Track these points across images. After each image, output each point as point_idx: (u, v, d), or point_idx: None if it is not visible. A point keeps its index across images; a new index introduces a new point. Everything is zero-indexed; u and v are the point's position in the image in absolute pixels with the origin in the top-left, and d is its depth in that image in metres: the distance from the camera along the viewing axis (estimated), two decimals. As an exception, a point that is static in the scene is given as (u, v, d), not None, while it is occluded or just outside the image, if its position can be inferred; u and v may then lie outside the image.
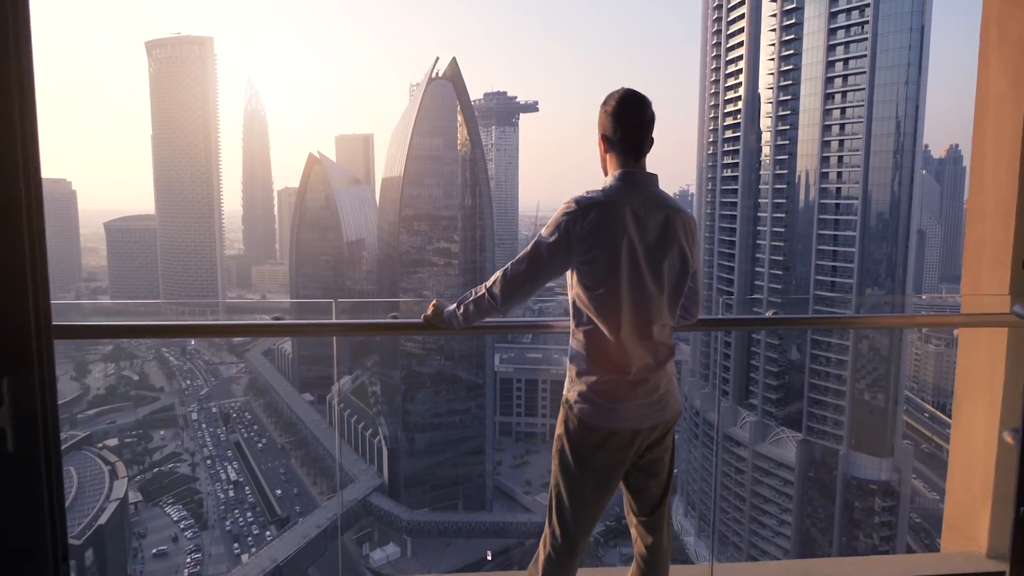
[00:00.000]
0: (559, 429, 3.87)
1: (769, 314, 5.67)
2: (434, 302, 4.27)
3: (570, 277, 3.68)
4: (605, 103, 3.70)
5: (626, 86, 3.71)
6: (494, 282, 3.76)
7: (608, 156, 3.74)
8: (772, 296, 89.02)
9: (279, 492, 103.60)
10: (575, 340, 3.73)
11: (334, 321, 5.10)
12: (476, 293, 3.86)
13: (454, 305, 4.05)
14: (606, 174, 3.77)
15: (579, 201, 3.52)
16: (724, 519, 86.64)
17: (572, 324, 3.76)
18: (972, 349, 5.82)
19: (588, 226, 3.45)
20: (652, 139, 3.72)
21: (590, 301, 3.57)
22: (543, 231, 3.63)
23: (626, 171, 3.63)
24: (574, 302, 3.70)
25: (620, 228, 3.46)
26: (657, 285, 3.59)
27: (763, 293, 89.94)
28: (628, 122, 3.61)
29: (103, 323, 5.12)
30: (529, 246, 3.65)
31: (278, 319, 4.93)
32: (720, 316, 6.33)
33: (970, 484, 5.64)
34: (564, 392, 3.86)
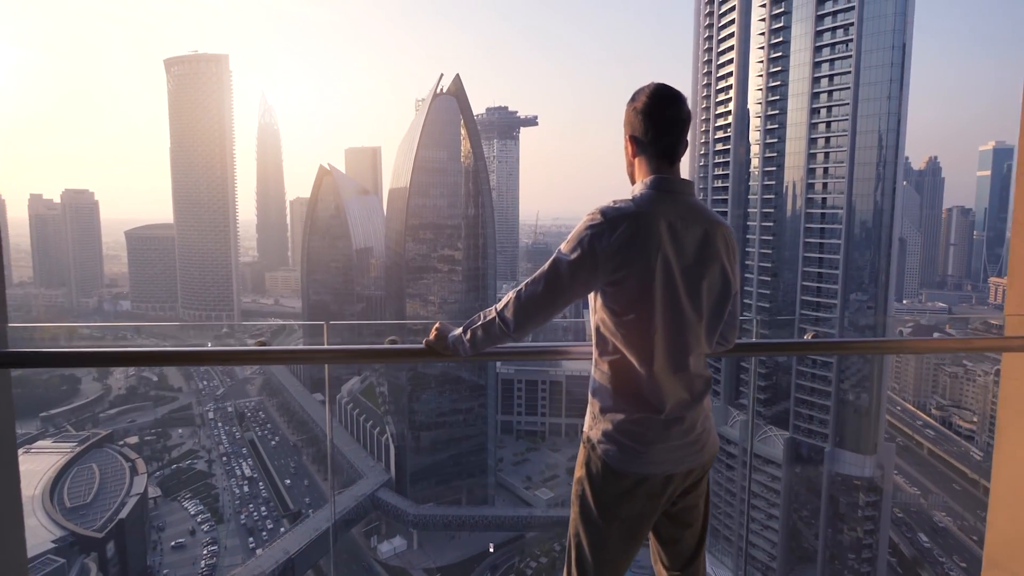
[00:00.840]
0: (579, 471, 3.34)
1: (808, 337, 4.96)
2: (437, 325, 3.71)
3: (593, 300, 3.17)
4: (634, 99, 3.15)
5: (658, 81, 3.15)
6: (506, 305, 3.23)
7: (637, 160, 3.21)
8: (761, 302, 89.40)
9: (288, 481, 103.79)
10: (598, 371, 3.19)
11: (325, 347, 4.46)
12: (485, 317, 3.33)
13: (459, 329, 3.50)
14: (633, 181, 3.25)
15: (606, 212, 2.98)
16: (715, 512, 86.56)
17: (595, 353, 3.22)
18: (1018, 374, 5.11)
19: (617, 241, 2.91)
20: (687, 141, 3.21)
21: (617, 328, 3.04)
22: (563, 247, 3.06)
23: (659, 177, 3.09)
24: (598, 328, 3.15)
25: (654, 244, 2.94)
26: (695, 309, 3.07)
27: (752, 299, 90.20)
28: (662, 121, 3.09)
29: (63, 350, 4.53)
30: (547, 264, 3.10)
31: (262, 344, 4.24)
32: (755, 340, 5.12)
33: (1016, 516, 5.11)
34: (585, 429, 3.34)
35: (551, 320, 3.29)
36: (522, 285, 3.22)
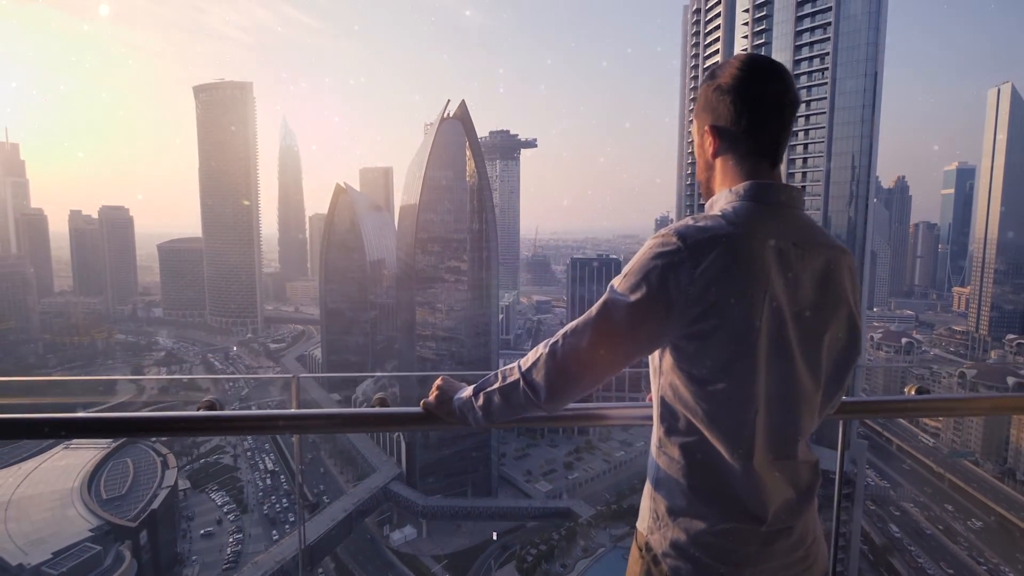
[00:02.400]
0: None
1: (910, 391, 3.51)
2: (439, 383, 2.65)
3: (658, 358, 2.18)
4: (714, 75, 2.21)
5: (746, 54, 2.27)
6: (535, 363, 2.21)
7: (720, 161, 2.25)
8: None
9: (304, 469, 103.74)
10: (664, 457, 2.19)
11: (291, 412, 3.13)
12: (505, 378, 2.31)
13: (469, 391, 2.46)
14: (711, 191, 2.31)
15: (685, 233, 1.98)
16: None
17: (658, 429, 2.22)
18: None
19: (703, 277, 1.93)
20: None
21: (698, 400, 2.04)
22: (617, 282, 2.08)
23: (759, 184, 2.12)
24: (664, 398, 2.15)
25: (758, 280, 1.96)
26: (813, 375, 2.10)
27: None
28: (761, 103, 2.12)
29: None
30: (594, 307, 2.12)
31: (210, 407, 3.03)
32: (861, 397, 3.79)
33: None
34: (641, 530, 2.32)
35: (599, 386, 2.24)
36: (558, 335, 2.17)
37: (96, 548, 61.99)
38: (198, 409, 3.03)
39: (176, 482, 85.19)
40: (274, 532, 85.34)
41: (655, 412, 2.23)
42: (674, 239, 1.97)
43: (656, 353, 2.17)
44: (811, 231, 2.12)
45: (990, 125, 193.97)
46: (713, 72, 2.22)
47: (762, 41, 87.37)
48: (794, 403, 2.08)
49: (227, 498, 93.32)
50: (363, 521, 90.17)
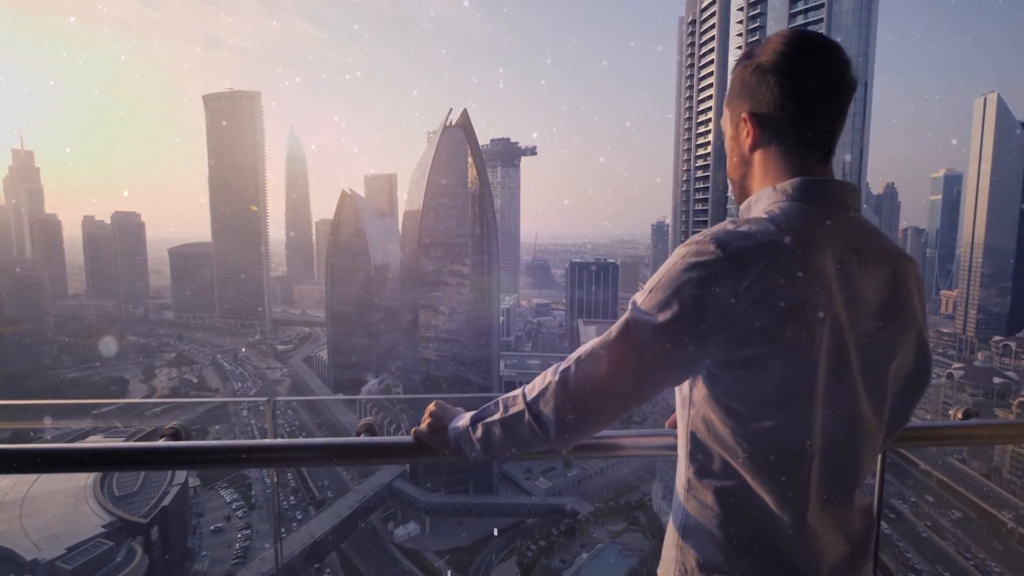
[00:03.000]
0: None
1: (956, 416, 2.90)
2: (432, 409, 2.27)
3: (689, 387, 1.81)
4: (752, 56, 1.83)
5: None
6: (542, 392, 1.83)
7: (761, 154, 1.86)
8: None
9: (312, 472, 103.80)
10: (694, 501, 1.81)
11: (264, 443, 2.59)
12: (507, 407, 1.94)
13: (466, 419, 2.10)
14: (745, 190, 1.95)
15: (724, 241, 1.61)
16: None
17: (686, 469, 1.83)
18: None
19: (750, 294, 1.57)
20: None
21: (740, 440, 1.67)
22: (641, 299, 1.72)
23: (810, 181, 1.74)
24: (695, 434, 1.78)
25: (817, 298, 1.59)
26: (876, 410, 1.74)
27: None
28: (813, 84, 1.73)
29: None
30: (614, 328, 1.76)
31: (175, 435, 2.58)
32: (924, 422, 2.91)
33: None
34: None
35: (618, 420, 1.84)
36: (570, 360, 1.80)
37: (109, 544, 61.92)
38: (160, 438, 2.58)
39: (186, 480, 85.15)
40: (282, 529, 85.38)
41: (682, 448, 1.86)
42: (712, 247, 1.60)
43: (687, 381, 1.81)
44: (874, 237, 1.75)
45: (976, 133, 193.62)
46: (750, 52, 1.85)
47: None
48: (855, 445, 1.71)
49: (236, 495, 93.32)
50: (368, 517, 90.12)
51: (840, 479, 1.70)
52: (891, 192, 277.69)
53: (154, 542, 69.10)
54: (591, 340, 1.80)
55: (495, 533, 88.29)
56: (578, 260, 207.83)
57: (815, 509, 1.66)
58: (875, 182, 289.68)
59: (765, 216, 1.68)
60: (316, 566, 77.86)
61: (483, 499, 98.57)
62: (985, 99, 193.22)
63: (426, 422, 2.24)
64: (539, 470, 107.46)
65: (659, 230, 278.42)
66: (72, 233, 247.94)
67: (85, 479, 76.87)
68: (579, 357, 1.78)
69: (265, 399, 3.09)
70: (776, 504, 1.65)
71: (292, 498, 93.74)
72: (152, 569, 65.82)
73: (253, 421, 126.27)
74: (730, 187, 2.07)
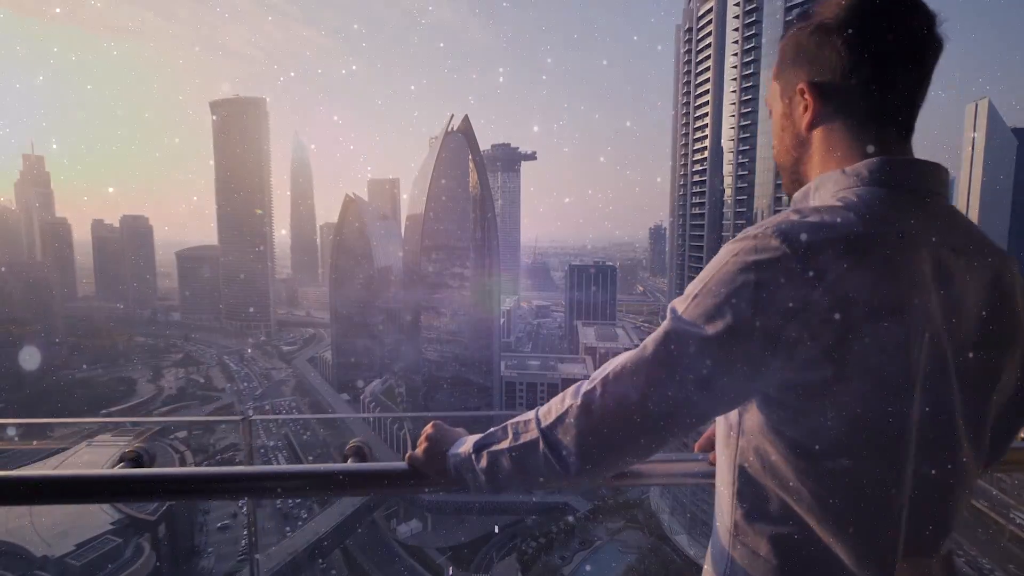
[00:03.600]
0: None
1: None
2: (429, 431, 1.88)
3: (736, 414, 1.45)
4: (808, 16, 1.47)
5: None
6: (561, 418, 1.46)
7: (823, 132, 1.48)
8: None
9: (312, 459, 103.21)
10: (741, 548, 1.44)
11: (237, 471, 2.20)
12: (518, 435, 1.55)
13: (469, 444, 1.70)
14: (798, 176, 1.56)
15: (791, 234, 1.24)
16: (694, 500, 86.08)
17: (733, 509, 1.46)
18: None
19: (829, 299, 1.19)
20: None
21: (806, 480, 1.31)
22: (682, 306, 1.36)
23: (890, 162, 1.37)
24: (745, 468, 1.42)
25: (914, 305, 1.23)
26: (977, 443, 1.37)
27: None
28: (891, 45, 1.36)
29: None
30: (650, 341, 1.38)
31: (135, 460, 2.24)
32: None
33: None
34: None
35: (652, 455, 1.47)
36: (595, 379, 1.42)
37: (117, 540, 61.87)
38: (119, 463, 2.20)
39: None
40: (287, 527, 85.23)
41: (725, 482, 1.49)
42: (775, 242, 1.23)
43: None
44: (972, 231, 1.39)
45: (968, 139, 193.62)
46: (806, 12, 1.49)
47: (751, 58, 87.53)
48: (952, 487, 1.33)
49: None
50: (371, 515, 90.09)
51: (933, 528, 1.34)
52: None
53: (161, 539, 69.03)
54: (620, 355, 1.42)
55: (496, 530, 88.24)
56: (577, 263, 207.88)
57: (900, 563, 1.30)
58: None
59: (839, 203, 1.29)
60: (321, 563, 77.81)
61: (484, 497, 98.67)
62: (976, 105, 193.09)
63: (422, 446, 1.87)
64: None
65: (657, 233, 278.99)
66: (82, 236, 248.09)
67: (94, 477, 76.57)
68: (606, 376, 1.39)
69: (240, 418, 2.72)
70: (852, 559, 1.28)
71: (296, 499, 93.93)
72: (159, 566, 65.76)
73: (259, 421, 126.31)
74: (778, 175, 1.66)
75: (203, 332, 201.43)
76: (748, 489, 1.40)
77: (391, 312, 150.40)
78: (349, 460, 2.21)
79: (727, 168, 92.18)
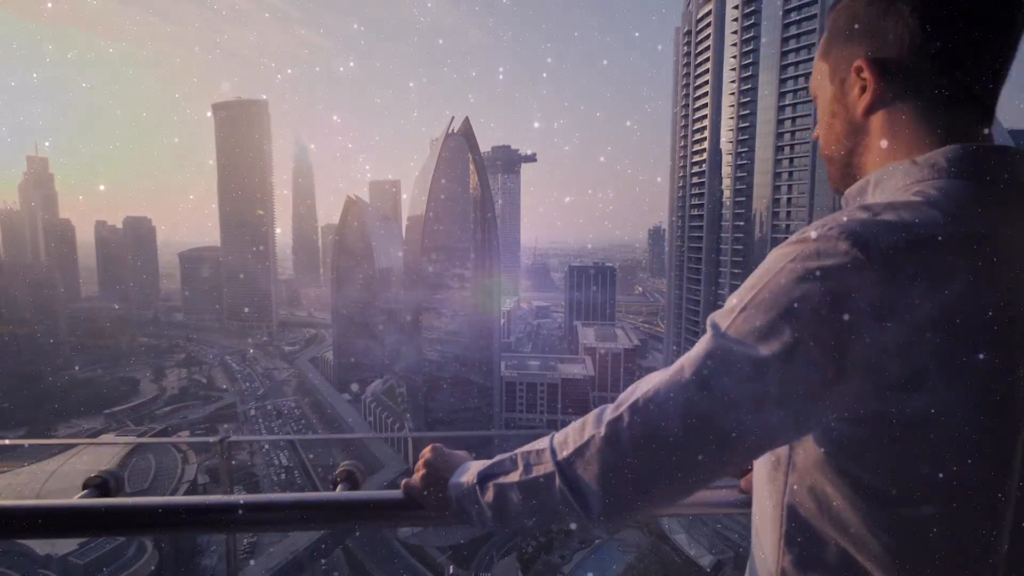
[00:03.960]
0: None
1: None
2: (427, 456, 1.67)
3: (787, 446, 1.15)
4: None
5: None
6: (581, 450, 1.21)
7: (885, 116, 1.19)
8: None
9: (320, 470, 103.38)
10: None
11: (211, 501, 1.90)
12: (531, 466, 1.34)
13: (472, 473, 1.49)
14: (851, 168, 1.29)
15: (864, 236, 0.96)
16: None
17: (779, 554, 1.17)
18: None
19: (915, 315, 0.92)
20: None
21: (877, 528, 1.02)
22: (725, 320, 1.08)
23: (972, 150, 1.07)
24: (796, 508, 1.13)
25: (1019, 319, 0.94)
26: None
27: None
28: (969, 11, 1.06)
29: None
30: (690, 359, 1.09)
31: (102, 487, 1.91)
32: None
33: None
34: None
35: (685, 497, 1.22)
36: (622, 406, 1.17)
37: (120, 539, 61.87)
38: (83, 490, 1.90)
39: (196, 477, 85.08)
40: None
41: (769, 520, 1.21)
42: (844, 245, 0.97)
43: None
44: None
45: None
46: None
47: (750, 61, 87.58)
48: None
49: (244, 492, 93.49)
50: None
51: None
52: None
53: (164, 538, 69.03)
54: (650, 377, 1.17)
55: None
56: (577, 263, 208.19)
57: None
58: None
59: (917, 199, 1.03)
60: (322, 563, 77.74)
61: (487, 528, 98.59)
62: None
63: (420, 473, 1.63)
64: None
65: (656, 234, 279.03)
66: (85, 237, 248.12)
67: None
68: (635, 402, 1.14)
69: (217, 439, 2.40)
70: None
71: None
72: (162, 564, 65.71)
73: (261, 421, 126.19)
74: (826, 167, 1.39)
75: (205, 332, 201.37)
76: (800, 534, 1.14)
77: (392, 312, 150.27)
78: (339, 486, 1.96)
79: (726, 170, 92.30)
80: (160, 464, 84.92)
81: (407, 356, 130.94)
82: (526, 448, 1.39)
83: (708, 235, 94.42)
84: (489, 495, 1.39)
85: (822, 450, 1.06)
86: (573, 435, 1.24)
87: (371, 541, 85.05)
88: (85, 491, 1.90)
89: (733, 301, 1.09)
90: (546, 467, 1.27)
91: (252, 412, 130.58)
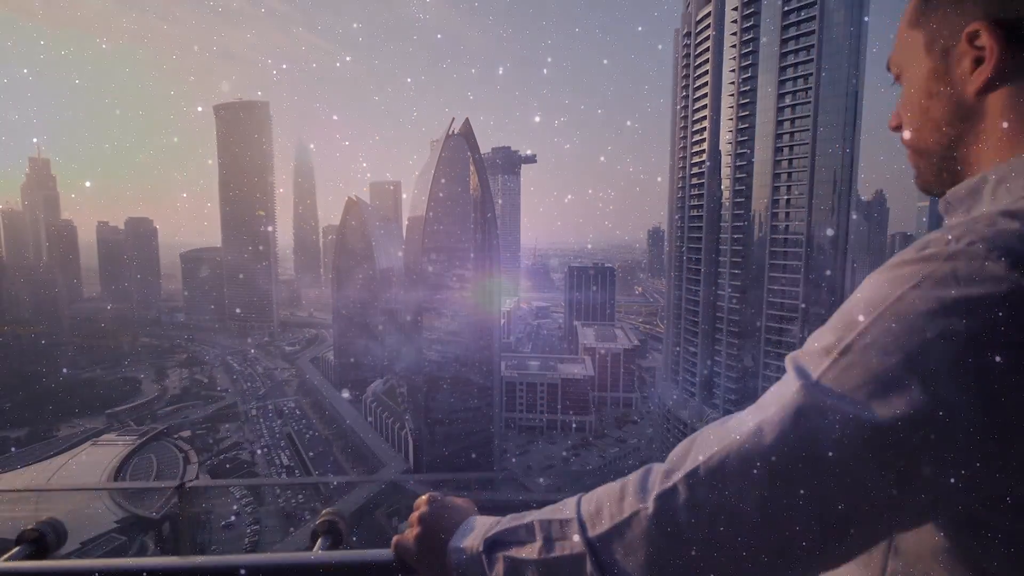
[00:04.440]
0: None
1: None
2: (423, 510, 1.34)
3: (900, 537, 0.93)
4: None
5: None
6: (622, 527, 0.86)
7: (1008, 96, 0.87)
8: (731, 315, 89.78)
9: (319, 471, 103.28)
10: None
11: (162, 565, 1.54)
12: (553, 541, 0.98)
13: (478, 538, 1.11)
14: (953, 161, 1.00)
15: (1020, 253, 0.67)
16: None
17: None
18: None
19: None
20: None
21: None
22: (821, 364, 0.77)
23: None
24: None
25: None
26: None
27: (724, 312, 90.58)
28: None
29: None
30: (773, 416, 0.77)
31: (38, 542, 1.55)
32: None
33: None
34: None
35: None
36: (674, 473, 0.84)
37: (122, 539, 61.82)
38: (16, 545, 1.56)
39: (197, 476, 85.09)
40: (291, 527, 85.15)
41: None
42: (999, 267, 0.69)
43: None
44: None
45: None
46: None
47: (749, 63, 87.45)
48: None
49: (245, 491, 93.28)
50: (373, 513, 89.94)
51: None
52: (880, 199, 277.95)
53: (166, 537, 68.94)
54: (712, 430, 0.86)
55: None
56: (577, 264, 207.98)
57: None
58: (865, 189, 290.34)
59: None
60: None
61: (485, 495, 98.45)
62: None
63: (413, 532, 1.30)
64: (539, 468, 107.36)
65: (655, 235, 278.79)
66: (87, 238, 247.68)
67: (99, 475, 76.67)
68: (694, 470, 0.83)
69: (175, 484, 1.88)
70: None
71: (300, 496, 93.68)
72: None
73: (262, 421, 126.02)
74: (914, 162, 1.13)
75: (206, 333, 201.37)
76: None
77: (392, 313, 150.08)
78: (319, 540, 1.66)
79: (725, 170, 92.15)
80: (162, 463, 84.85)
81: (407, 356, 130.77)
82: (546, 514, 1.07)
83: (707, 235, 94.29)
84: (499, 570, 1.05)
85: (944, 536, 0.80)
86: (609, 505, 0.92)
87: (371, 541, 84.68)
88: (17, 548, 1.56)
89: (827, 338, 0.81)
90: (573, 546, 0.94)
91: (253, 412, 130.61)
